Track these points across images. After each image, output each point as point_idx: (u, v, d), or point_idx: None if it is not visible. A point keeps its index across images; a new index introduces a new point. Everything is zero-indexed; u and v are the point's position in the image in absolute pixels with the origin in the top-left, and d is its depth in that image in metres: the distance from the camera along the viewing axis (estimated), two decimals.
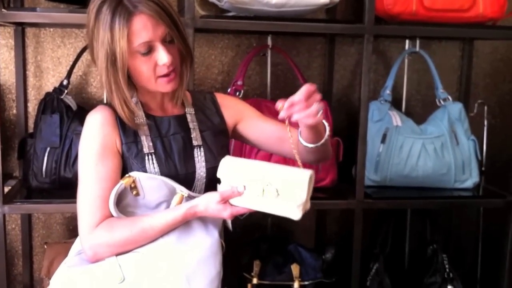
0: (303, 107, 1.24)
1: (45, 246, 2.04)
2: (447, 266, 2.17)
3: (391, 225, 2.31)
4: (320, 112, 1.26)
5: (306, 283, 2.01)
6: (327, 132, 1.40)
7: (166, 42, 1.34)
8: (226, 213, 1.31)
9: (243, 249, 2.08)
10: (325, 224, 2.40)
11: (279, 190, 1.26)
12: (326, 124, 1.40)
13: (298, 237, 2.34)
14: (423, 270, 2.21)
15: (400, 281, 2.21)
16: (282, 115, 1.25)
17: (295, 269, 2.01)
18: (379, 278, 2.15)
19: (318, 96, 1.26)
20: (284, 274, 2.02)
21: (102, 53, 1.31)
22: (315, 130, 1.36)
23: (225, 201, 1.31)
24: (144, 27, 1.30)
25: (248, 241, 2.12)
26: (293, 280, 2.00)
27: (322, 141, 1.39)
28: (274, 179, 1.26)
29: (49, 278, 1.93)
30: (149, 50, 1.32)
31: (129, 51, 1.30)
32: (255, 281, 1.99)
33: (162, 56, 1.33)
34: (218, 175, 1.33)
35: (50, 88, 2.05)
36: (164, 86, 1.37)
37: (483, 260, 2.39)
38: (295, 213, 1.26)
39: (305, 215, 1.29)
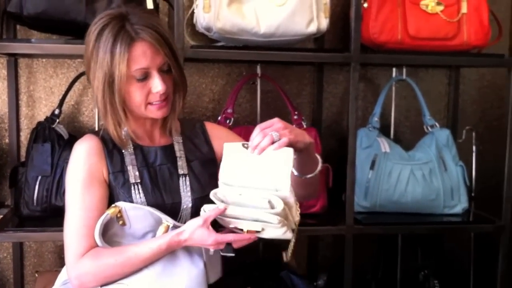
0: (262, 135, 1.28)
1: (36, 275, 2.04)
2: None
3: (382, 251, 2.31)
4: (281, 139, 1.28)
5: None
6: (319, 166, 1.43)
7: (163, 71, 1.38)
8: (210, 240, 1.30)
9: (235, 276, 2.07)
10: (317, 250, 2.40)
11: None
12: (319, 158, 1.43)
13: (290, 263, 2.34)
14: None
15: None
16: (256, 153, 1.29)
17: None
18: None
19: (277, 125, 1.30)
20: None
21: (100, 74, 1.34)
22: (307, 161, 1.38)
23: (208, 225, 1.30)
24: (143, 54, 1.33)
25: (240, 268, 2.11)
26: None
27: (313, 174, 1.42)
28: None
29: None
30: (145, 76, 1.35)
31: (126, 75, 1.33)
32: None
33: (157, 84, 1.35)
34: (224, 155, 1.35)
35: (42, 118, 2.06)
36: (154, 113, 1.40)
37: (475, 285, 2.39)
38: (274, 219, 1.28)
39: (298, 242, 1.32)
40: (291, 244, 1.37)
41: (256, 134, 1.29)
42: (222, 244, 1.32)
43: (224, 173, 1.35)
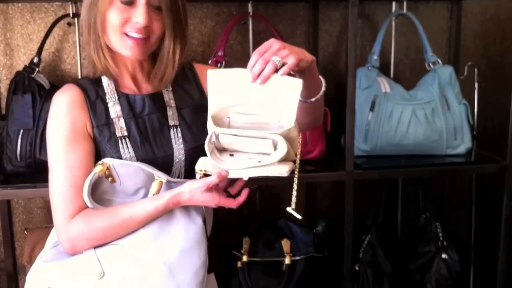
0: (262, 62, 1.16)
1: (26, 232, 1.98)
2: (440, 234, 2.12)
3: (383, 195, 2.26)
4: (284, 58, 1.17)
5: (298, 258, 1.96)
6: (323, 87, 1.31)
7: (154, 8, 1.26)
8: (213, 203, 1.24)
9: (232, 227, 2.02)
10: (316, 198, 2.34)
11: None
12: (322, 80, 1.31)
13: (288, 212, 2.28)
14: (416, 240, 2.17)
15: (394, 251, 2.17)
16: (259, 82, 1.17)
17: (285, 244, 1.96)
18: (372, 249, 2.11)
19: (275, 46, 1.18)
20: (275, 250, 1.96)
21: None
22: (310, 82, 1.26)
23: (209, 189, 1.23)
24: None
25: (237, 219, 2.06)
26: (284, 256, 1.95)
27: (318, 96, 1.30)
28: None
29: (31, 265, 1.86)
30: (131, 2, 1.24)
31: None
32: (245, 258, 1.94)
33: (139, 14, 1.24)
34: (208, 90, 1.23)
35: (21, 67, 1.95)
36: (127, 48, 1.27)
37: (477, 227, 2.35)
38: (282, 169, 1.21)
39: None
40: (294, 186, 1.26)
41: (255, 61, 1.17)
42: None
43: (215, 106, 1.22)
